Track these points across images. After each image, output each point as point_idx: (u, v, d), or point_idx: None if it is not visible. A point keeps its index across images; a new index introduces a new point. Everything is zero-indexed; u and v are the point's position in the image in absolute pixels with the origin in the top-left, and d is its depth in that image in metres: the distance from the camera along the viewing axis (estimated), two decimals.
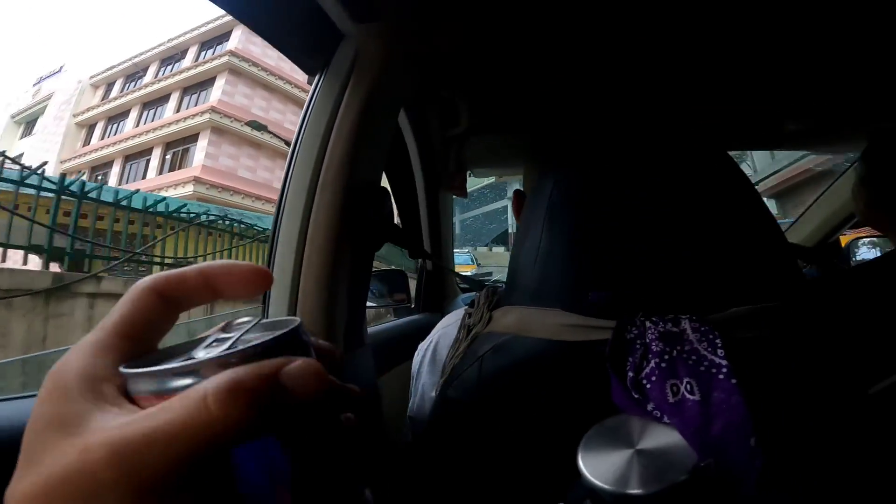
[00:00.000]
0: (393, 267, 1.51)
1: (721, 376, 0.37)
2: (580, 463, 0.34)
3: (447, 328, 0.65)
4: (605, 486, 0.32)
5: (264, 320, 0.22)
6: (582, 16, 0.77)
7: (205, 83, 15.77)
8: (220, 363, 0.17)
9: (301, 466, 0.18)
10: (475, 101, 1.05)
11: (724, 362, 0.37)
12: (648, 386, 0.37)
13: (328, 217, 0.61)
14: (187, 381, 0.17)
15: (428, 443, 0.48)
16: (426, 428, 0.49)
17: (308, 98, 0.67)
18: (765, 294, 0.41)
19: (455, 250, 1.47)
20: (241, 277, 0.21)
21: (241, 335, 0.20)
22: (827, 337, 0.44)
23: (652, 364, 0.38)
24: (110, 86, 18.22)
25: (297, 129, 0.65)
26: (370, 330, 1.11)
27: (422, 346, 0.67)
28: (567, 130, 0.72)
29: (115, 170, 16.27)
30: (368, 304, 1.36)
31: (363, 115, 0.63)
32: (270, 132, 8.81)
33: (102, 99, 17.85)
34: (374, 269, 1.32)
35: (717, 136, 1.24)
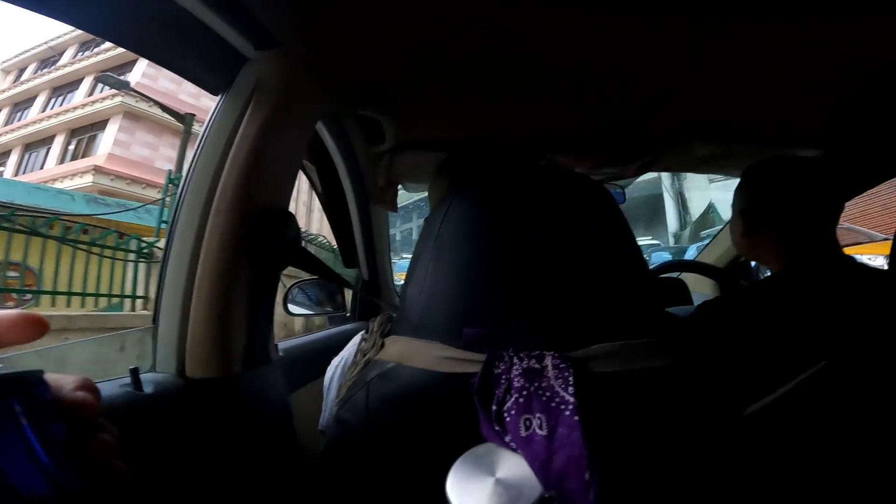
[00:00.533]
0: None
1: (567, 412, 0.40)
2: (448, 489, 0.37)
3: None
4: None
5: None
6: (488, 45, 0.81)
7: (124, 66, 13.67)
8: None
9: None
10: (399, 120, 1.07)
11: (571, 399, 0.40)
12: (508, 419, 0.40)
13: (223, 241, 0.61)
14: None
15: (326, 461, 0.49)
16: (324, 447, 0.50)
17: (207, 119, 0.67)
18: (627, 331, 0.45)
19: (403, 258, 1.50)
20: (8, 326, 0.22)
21: None
22: (687, 369, 0.47)
23: (512, 398, 0.41)
24: (22, 71, 16.55)
25: (195, 150, 0.65)
26: (301, 340, 1.11)
27: (334, 361, 0.68)
28: (468, 161, 0.75)
29: (13, 159, 14.67)
30: (303, 312, 1.36)
31: (262, 141, 0.64)
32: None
33: (13, 84, 16.20)
34: (311, 278, 1.33)
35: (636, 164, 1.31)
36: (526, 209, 0.47)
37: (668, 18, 0.71)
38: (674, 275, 1.73)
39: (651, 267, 1.59)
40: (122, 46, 0.58)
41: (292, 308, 1.25)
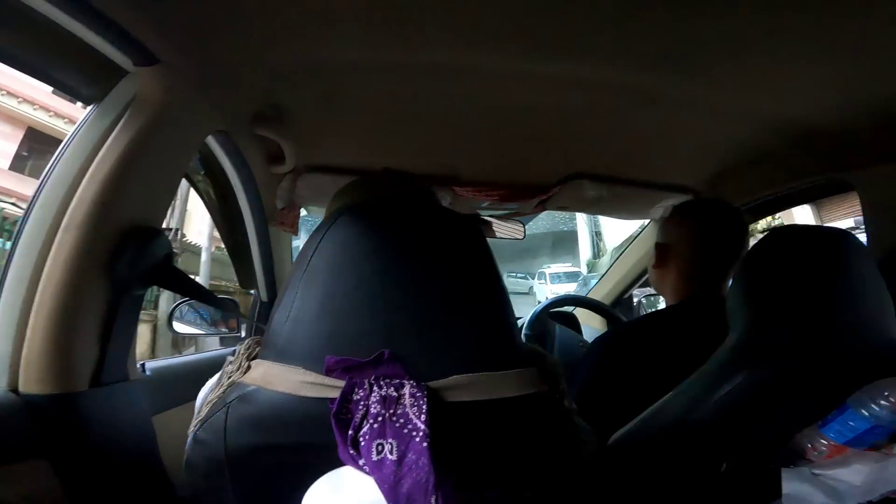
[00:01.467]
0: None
1: (417, 439, 0.43)
2: None
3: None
4: None
5: None
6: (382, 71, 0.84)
7: None
8: None
9: None
10: (300, 142, 1.08)
11: (422, 427, 0.43)
12: (362, 443, 0.43)
13: (71, 257, 0.58)
14: None
15: (184, 481, 0.50)
16: (182, 467, 0.50)
17: (73, 130, 0.64)
18: (488, 363, 0.48)
19: None
20: None
21: None
22: (547, 399, 0.51)
23: (368, 424, 0.43)
24: None
25: (49, 164, 0.62)
26: (173, 360, 1.05)
27: (209, 382, 0.66)
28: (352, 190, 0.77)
29: None
30: (191, 332, 1.29)
31: (131, 157, 0.62)
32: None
33: None
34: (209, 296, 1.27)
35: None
36: (395, 242, 0.50)
37: (555, 60, 0.78)
38: (569, 309, 1.85)
39: (547, 300, 1.69)
40: None
41: (178, 326, 1.20)
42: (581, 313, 1.87)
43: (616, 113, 0.99)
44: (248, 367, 0.51)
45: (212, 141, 0.94)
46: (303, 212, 1.38)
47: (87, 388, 0.62)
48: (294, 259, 1.39)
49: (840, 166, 1.02)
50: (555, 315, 1.74)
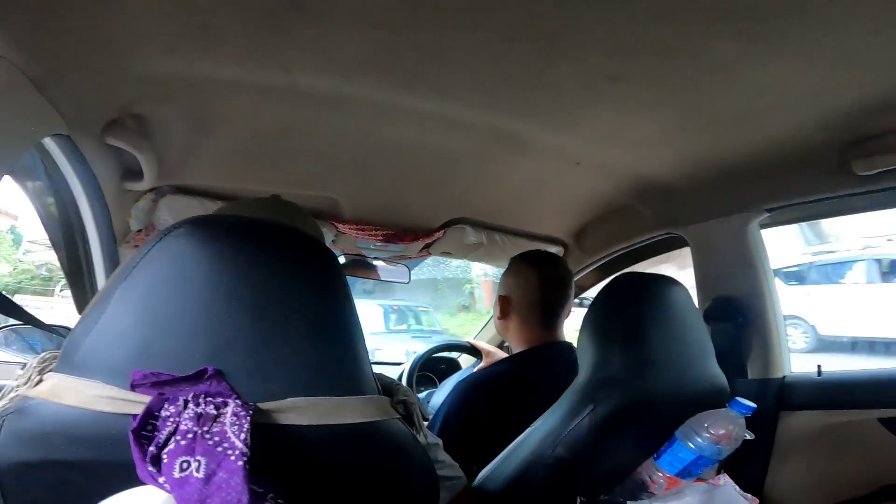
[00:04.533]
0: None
1: (232, 458, 0.40)
2: None
3: None
4: None
5: None
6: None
7: None
8: None
9: None
10: (165, 160, 1.00)
11: (240, 446, 0.40)
12: (165, 461, 0.40)
13: None
14: None
15: None
16: None
17: None
18: (325, 389, 0.46)
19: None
20: None
21: None
22: (389, 427, 0.50)
23: (175, 441, 0.40)
24: None
25: None
26: None
27: None
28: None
29: None
30: (19, 360, 1.08)
31: None
32: None
33: None
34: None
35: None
36: (235, 257, 0.47)
37: (430, 98, 0.81)
38: (455, 355, 1.87)
39: (432, 346, 1.70)
40: None
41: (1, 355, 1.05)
42: (464, 359, 1.90)
43: (492, 159, 1.06)
44: (40, 381, 0.45)
45: (53, 146, 0.84)
46: None
47: None
48: None
49: (676, 222, 1.19)
50: (437, 360, 1.75)
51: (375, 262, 1.59)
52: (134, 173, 0.99)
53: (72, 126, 0.76)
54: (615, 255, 1.47)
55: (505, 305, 1.10)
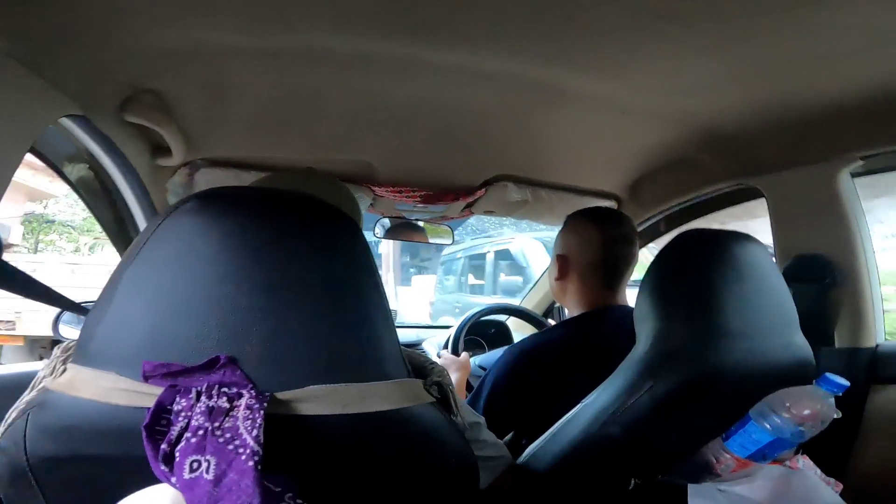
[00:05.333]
0: None
1: (243, 457, 0.37)
2: None
3: None
4: None
5: None
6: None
7: None
8: None
9: None
10: (192, 135, 0.97)
11: (252, 444, 0.38)
12: (177, 459, 0.38)
13: None
14: None
15: None
16: None
17: None
18: (349, 374, 0.42)
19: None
20: None
21: None
22: (422, 413, 0.46)
23: (186, 438, 0.38)
24: None
25: None
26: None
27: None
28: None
29: None
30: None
31: None
32: None
33: None
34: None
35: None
36: (248, 233, 0.43)
37: (455, 50, 0.74)
38: (502, 318, 1.82)
39: (479, 309, 1.64)
40: None
41: (65, 331, 1.10)
42: (514, 322, 1.84)
43: (530, 112, 0.96)
44: (64, 371, 0.45)
45: (77, 130, 0.83)
46: None
47: None
48: None
49: (749, 172, 1.04)
50: (486, 324, 1.69)
51: (417, 224, 1.55)
52: (163, 149, 0.98)
53: (85, 106, 0.74)
54: (677, 208, 1.34)
55: (563, 265, 1.02)
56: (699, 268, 0.69)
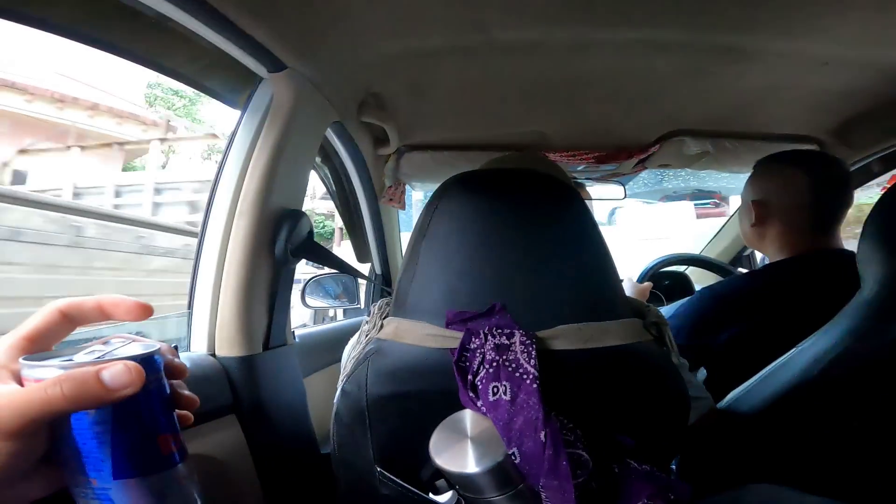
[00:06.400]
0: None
1: (528, 381, 0.47)
2: (430, 449, 0.46)
3: None
4: (445, 467, 0.44)
5: (136, 341, 0.32)
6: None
7: None
8: (83, 366, 0.28)
9: (118, 431, 0.29)
10: (401, 125, 1.16)
11: (532, 370, 0.47)
12: (480, 387, 0.47)
13: (245, 239, 0.72)
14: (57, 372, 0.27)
15: (333, 433, 0.57)
16: (332, 418, 0.58)
17: (230, 134, 0.78)
18: (590, 315, 0.52)
19: None
20: (126, 308, 0.32)
21: (113, 350, 0.30)
22: (645, 349, 0.53)
23: (484, 370, 0.47)
24: None
25: (219, 162, 0.76)
26: (316, 329, 1.23)
27: (350, 342, 0.76)
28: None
29: None
30: (320, 305, 1.48)
31: (277, 151, 0.74)
32: None
33: None
34: (328, 273, 1.44)
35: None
36: (502, 207, 0.55)
37: (635, 26, 0.78)
38: (681, 268, 1.76)
39: (658, 259, 1.61)
40: (150, 69, 0.68)
41: (310, 301, 1.37)
42: (695, 272, 1.77)
43: (709, 72, 0.95)
44: (382, 326, 0.57)
45: (328, 131, 1.06)
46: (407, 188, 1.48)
47: (261, 352, 0.76)
48: (399, 231, 1.52)
49: None
50: (665, 275, 1.65)
51: (584, 182, 1.59)
52: (381, 141, 1.19)
53: (341, 114, 0.95)
54: (891, 150, 1.18)
55: (762, 210, 0.98)
56: None
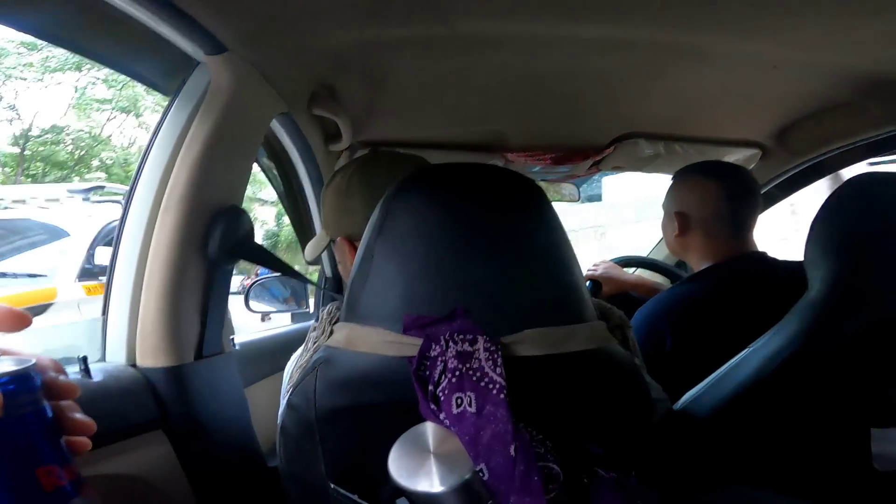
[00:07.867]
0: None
1: (494, 391, 0.43)
2: (389, 466, 0.41)
3: None
4: (406, 486, 0.40)
5: (7, 354, 0.27)
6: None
7: None
8: None
9: None
10: (355, 120, 1.11)
11: (499, 379, 0.44)
12: (442, 398, 0.44)
13: (171, 237, 0.64)
14: None
15: (279, 445, 0.53)
16: (277, 431, 0.54)
17: (157, 121, 0.69)
18: (555, 319, 0.49)
19: None
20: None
21: None
22: (611, 352, 0.51)
23: (446, 379, 0.44)
24: None
25: (142, 152, 0.68)
26: (259, 336, 1.14)
27: (297, 351, 0.70)
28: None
29: None
30: (264, 309, 1.39)
31: (213, 141, 0.67)
32: None
33: None
34: (273, 276, 1.36)
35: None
36: (463, 204, 0.52)
37: (596, 23, 0.76)
38: (631, 270, 1.80)
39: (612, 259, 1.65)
40: (69, 50, 0.60)
41: (254, 305, 1.28)
42: (647, 274, 1.81)
43: (665, 73, 0.96)
44: (332, 332, 0.53)
45: (275, 123, 0.99)
46: None
47: (192, 361, 0.68)
48: None
49: None
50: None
51: (541, 184, 1.59)
52: (333, 136, 1.13)
53: (290, 105, 0.88)
54: (829, 154, 1.24)
55: (683, 221, 1.02)
56: (882, 210, 0.67)
